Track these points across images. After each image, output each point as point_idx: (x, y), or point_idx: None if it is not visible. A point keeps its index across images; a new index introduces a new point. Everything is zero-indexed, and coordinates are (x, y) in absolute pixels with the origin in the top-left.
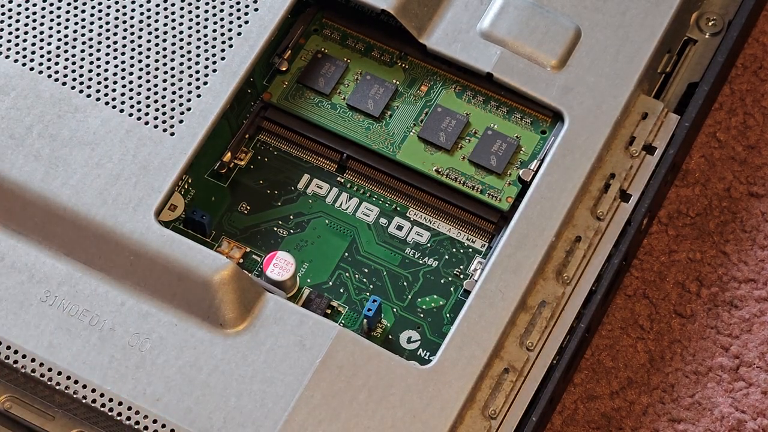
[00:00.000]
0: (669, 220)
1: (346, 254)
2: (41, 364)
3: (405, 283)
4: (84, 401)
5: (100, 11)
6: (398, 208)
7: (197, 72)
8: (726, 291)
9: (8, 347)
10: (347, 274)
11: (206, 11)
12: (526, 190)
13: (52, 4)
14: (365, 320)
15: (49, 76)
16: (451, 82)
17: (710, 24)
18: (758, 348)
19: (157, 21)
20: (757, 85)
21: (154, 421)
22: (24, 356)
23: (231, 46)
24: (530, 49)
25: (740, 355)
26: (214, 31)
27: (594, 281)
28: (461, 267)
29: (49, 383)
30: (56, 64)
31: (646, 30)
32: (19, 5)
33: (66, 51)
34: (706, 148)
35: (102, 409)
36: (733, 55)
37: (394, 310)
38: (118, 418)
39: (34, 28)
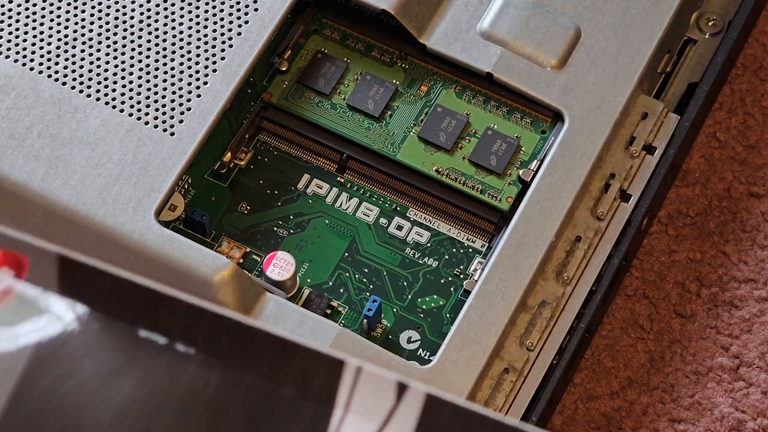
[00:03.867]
0: (669, 220)
1: (346, 254)
2: None
3: (405, 283)
4: None
5: (100, 11)
6: (398, 208)
7: (197, 72)
8: (726, 291)
9: None
10: (347, 274)
11: (206, 11)
12: (526, 190)
13: (52, 4)
14: (365, 320)
15: (49, 76)
16: (451, 82)
17: (710, 24)
18: (758, 348)
19: (157, 21)
20: (757, 85)
21: None
22: None
23: (231, 46)
24: (530, 49)
25: (740, 355)
26: (214, 31)
27: (594, 281)
28: (461, 267)
29: None
30: (56, 64)
31: (646, 30)
32: (19, 5)
33: (66, 51)
34: (706, 148)
35: None
36: (733, 55)
37: (394, 310)
38: None
39: (34, 28)
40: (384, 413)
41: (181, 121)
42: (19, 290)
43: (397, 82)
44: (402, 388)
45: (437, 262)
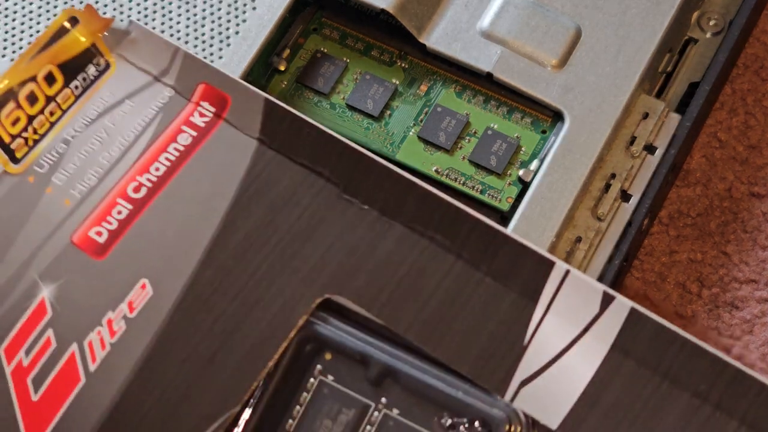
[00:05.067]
0: (670, 220)
1: None
2: None
3: None
4: None
5: (97, 10)
6: None
7: None
8: (727, 292)
9: None
10: None
11: (204, 10)
12: (526, 190)
13: (48, 3)
14: None
15: None
16: (451, 81)
17: (711, 23)
18: (760, 349)
19: (154, 20)
20: (758, 84)
21: None
22: None
23: (229, 45)
24: (530, 49)
25: (742, 357)
26: (212, 30)
27: None
28: None
29: None
30: None
31: (647, 29)
32: (15, 3)
33: None
34: (707, 148)
35: None
36: (734, 55)
37: None
38: None
39: (30, 27)
40: (586, 320)
41: None
42: (220, 127)
43: (397, 82)
44: (608, 299)
45: None
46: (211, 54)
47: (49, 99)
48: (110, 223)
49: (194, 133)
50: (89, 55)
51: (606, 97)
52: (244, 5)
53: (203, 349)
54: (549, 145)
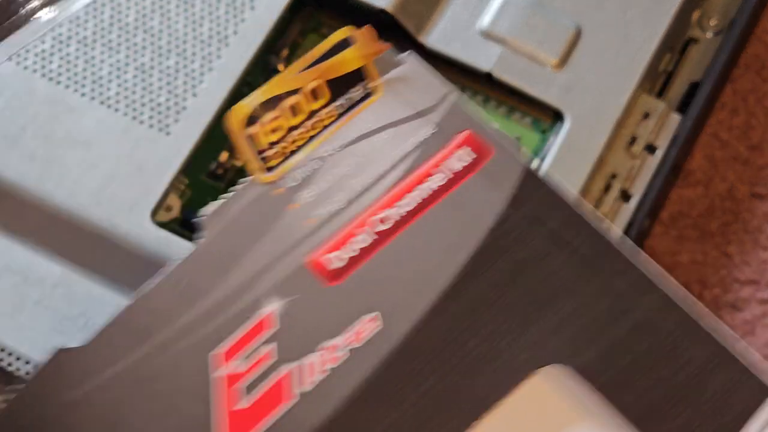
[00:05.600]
0: (671, 221)
1: None
2: (35, 367)
3: None
4: None
5: (94, 9)
6: None
7: (193, 71)
8: (728, 293)
9: (2, 350)
10: None
11: (202, 9)
12: None
13: None
14: None
15: (43, 75)
16: (450, 81)
17: (712, 23)
18: (761, 350)
19: (152, 19)
20: (760, 84)
21: None
22: (18, 359)
23: (227, 45)
24: (530, 48)
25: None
26: (210, 29)
27: None
28: None
29: None
30: (50, 63)
31: (647, 29)
32: None
33: (60, 50)
34: (708, 148)
35: None
36: (735, 55)
37: None
38: None
39: (27, 27)
40: None
41: (177, 121)
42: (475, 176)
43: None
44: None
45: None
46: (210, 54)
47: (312, 113)
48: (350, 251)
49: (449, 176)
50: (358, 77)
51: (606, 97)
52: (243, 5)
53: (421, 392)
54: (549, 145)
